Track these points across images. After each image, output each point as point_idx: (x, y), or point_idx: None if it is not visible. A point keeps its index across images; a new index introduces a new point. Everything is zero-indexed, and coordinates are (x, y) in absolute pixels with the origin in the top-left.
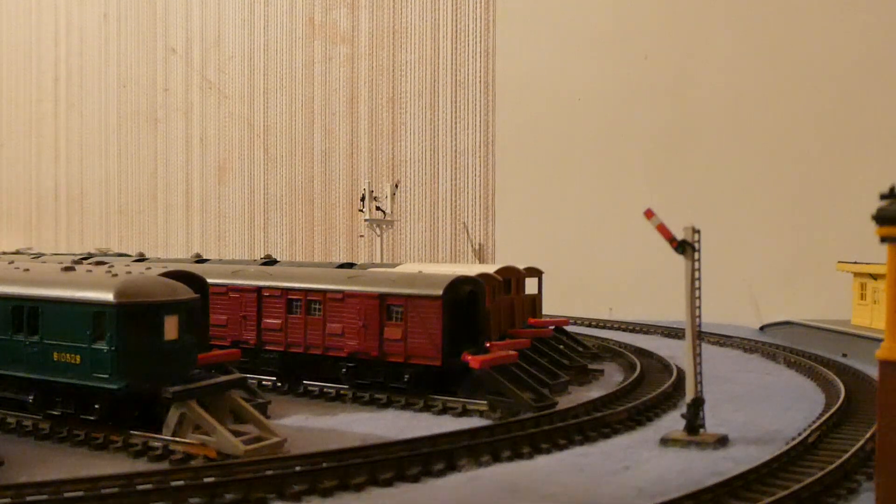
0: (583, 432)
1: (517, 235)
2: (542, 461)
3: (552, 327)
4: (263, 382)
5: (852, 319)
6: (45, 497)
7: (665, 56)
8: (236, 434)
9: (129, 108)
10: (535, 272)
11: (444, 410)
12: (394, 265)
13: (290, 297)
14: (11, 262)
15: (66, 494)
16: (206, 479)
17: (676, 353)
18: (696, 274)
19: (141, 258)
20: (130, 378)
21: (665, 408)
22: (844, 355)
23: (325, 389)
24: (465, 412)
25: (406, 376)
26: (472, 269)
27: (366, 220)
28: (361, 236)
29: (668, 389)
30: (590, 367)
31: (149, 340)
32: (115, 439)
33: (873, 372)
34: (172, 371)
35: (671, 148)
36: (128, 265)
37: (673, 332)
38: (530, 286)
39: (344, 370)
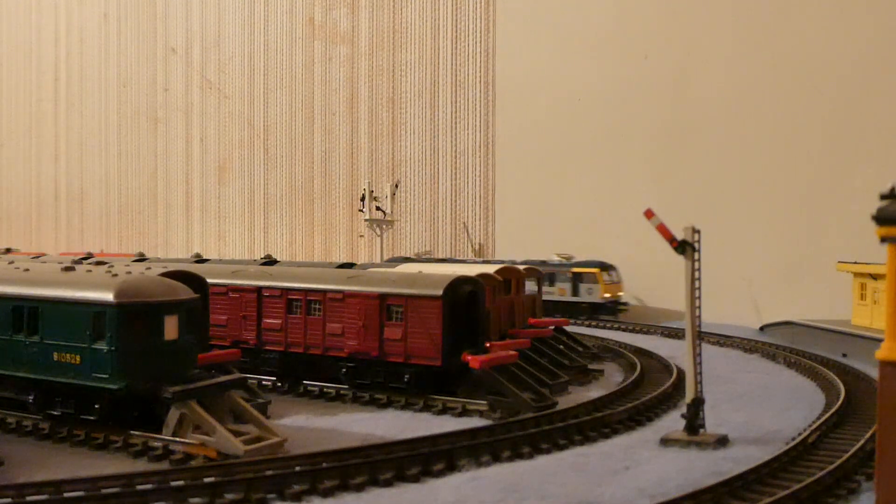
0: (583, 432)
1: (517, 235)
2: (542, 461)
3: (552, 327)
4: (263, 382)
5: (852, 319)
6: (45, 497)
7: (665, 56)
8: (236, 434)
9: (129, 107)
10: (535, 272)
11: (444, 410)
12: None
13: (290, 297)
14: (12, 262)
15: (66, 494)
16: (206, 479)
17: (676, 353)
18: (696, 274)
19: (140, 258)
20: (130, 378)
21: (665, 408)
22: (844, 355)
23: (325, 389)
24: (465, 412)
25: (406, 376)
26: (472, 269)
27: (366, 220)
28: (361, 236)
29: (668, 389)
30: (590, 367)
31: (149, 340)
32: (115, 439)
33: (873, 372)
34: (172, 371)
35: (671, 148)
36: (128, 265)
37: (673, 332)
38: (530, 286)
39: (344, 370)
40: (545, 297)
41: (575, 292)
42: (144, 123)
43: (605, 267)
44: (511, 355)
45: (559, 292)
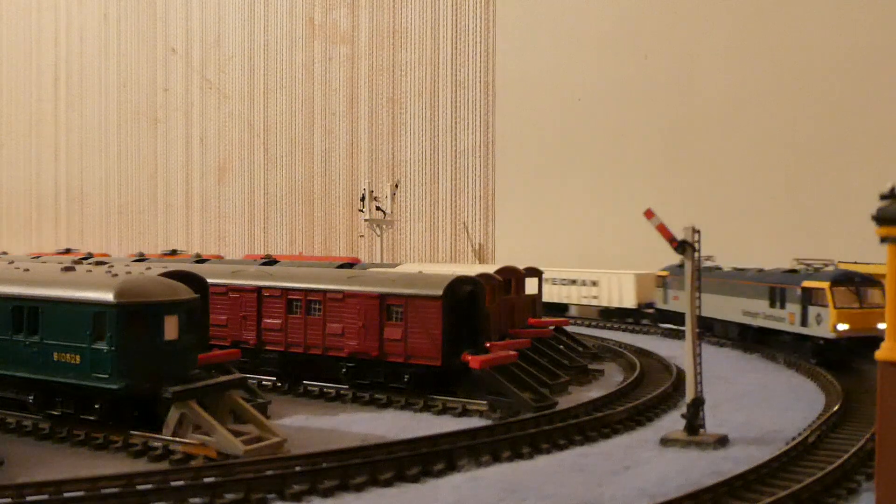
0: (583, 432)
1: (517, 235)
2: (542, 461)
3: (552, 327)
4: (263, 382)
5: None
6: (45, 497)
7: (665, 56)
8: (236, 434)
9: (129, 108)
10: (535, 272)
11: (444, 410)
12: (394, 265)
13: (290, 297)
14: (12, 262)
15: (66, 494)
16: (206, 479)
17: (676, 353)
18: (696, 274)
19: (140, 258)
20: (130, 378)
21: (665, 408)
22: None
23: (325, 389)
24: (465, 412)
25: (406, 376)
26: (472, 269)
27: (366, 220)
28: (361, 236)
29: (668, 389)
30: (590, 367)
31: (149, 340)
32: (115, 439)
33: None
34: (172, 371)
35: (671, 148)
36: (128, 265)
37: (673, 332)
38: (530, 286)
39: (344, 370)
40: (774, 325)
41: (804, 320)
42: (144, 123)
43: (845, 279)
44: (511, 355)
45: (789, 319)
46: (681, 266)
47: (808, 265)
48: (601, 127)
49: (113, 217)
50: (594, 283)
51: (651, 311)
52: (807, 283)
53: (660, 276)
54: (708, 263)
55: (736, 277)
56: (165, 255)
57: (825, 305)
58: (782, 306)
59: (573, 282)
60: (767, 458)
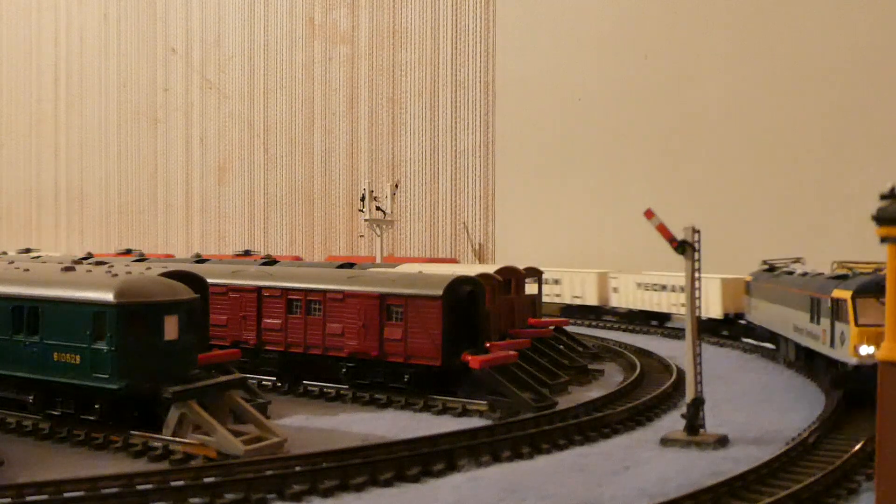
0: (583, 432)
1: (517, 235)
2: (542, 461)
3: (552, 327)
4: (263, 382)
5: None
6: (45, 497)
7: (665, 56)
8: (236, 434)
9: (129, 108)
10: (535, 272)
11: (444, 410)
12: (394, 265)
13: (290, 297)
14: (12, 262)
15: (66, 494)
16: (206, 479)
17: (676, 353)
18: (696, 274)
19: (140, 258)
20: (130, 378)
21: (665, 408)
22: None
23: (325, 389)
24: (465, 412)
25: (406, 376)
26: (472, 269)
27: (366, 220)
28: (361, 236)
29: (668, 389)
30: (590, 367)
31: (149, 340)
32: (115, 439)
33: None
34: (172, 371)
35: (671, 148)
36: (128, 265)
37: (673, 332)
38: (530, 286)
39: (344, 370)
40: (813, 345)
41: (832, 339)
42: (144, 123)
43: (875, 288)
44: (511, 355)
45: (822, 337)
46: (765, 271)
47: (850, 269)
48: (601, 127)
49: (113, 217)
50: (682, 289)
51: (743, 322)
52: (836, 293)
53: (746, 282)
54: (793, 267)
55: (790, 284)
56: (238, 255)
57: (846, 322)
58: (818, 321)
59: (663, 287)
60: (767, 458)
